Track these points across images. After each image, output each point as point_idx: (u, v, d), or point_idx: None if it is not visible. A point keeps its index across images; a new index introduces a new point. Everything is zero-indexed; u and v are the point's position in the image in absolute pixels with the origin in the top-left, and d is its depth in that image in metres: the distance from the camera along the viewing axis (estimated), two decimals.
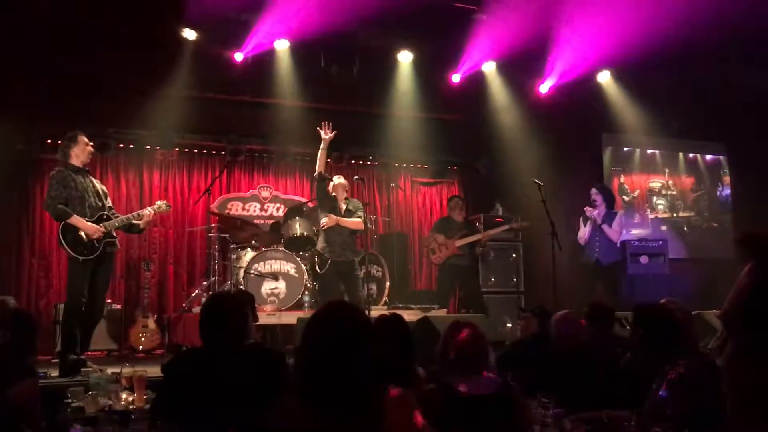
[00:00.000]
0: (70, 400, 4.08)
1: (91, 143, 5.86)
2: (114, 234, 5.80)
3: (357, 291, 6.89)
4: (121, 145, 8.61)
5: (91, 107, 7.84)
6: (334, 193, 6.99)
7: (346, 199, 7.03)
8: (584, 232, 7.88)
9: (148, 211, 6.06)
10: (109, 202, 5.97)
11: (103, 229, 5.63)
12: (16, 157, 7.98)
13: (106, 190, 6.02)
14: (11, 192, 8.07)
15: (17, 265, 8.07)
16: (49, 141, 8.10)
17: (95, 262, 5.68)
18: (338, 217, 6.87)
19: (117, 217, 5.87)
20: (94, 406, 3.96)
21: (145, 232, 8.28)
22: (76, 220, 5.58)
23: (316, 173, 6.93)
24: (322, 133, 6.77)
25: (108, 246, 5.71)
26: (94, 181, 5.92)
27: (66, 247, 5.57)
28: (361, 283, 6.99)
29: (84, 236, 5.57)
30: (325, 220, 6.89)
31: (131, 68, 7.45)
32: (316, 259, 7.06)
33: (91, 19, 6.92)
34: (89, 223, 5.60)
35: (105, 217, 5.75)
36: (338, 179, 7.09)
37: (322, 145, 6.80)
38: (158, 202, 6.31)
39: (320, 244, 6.99)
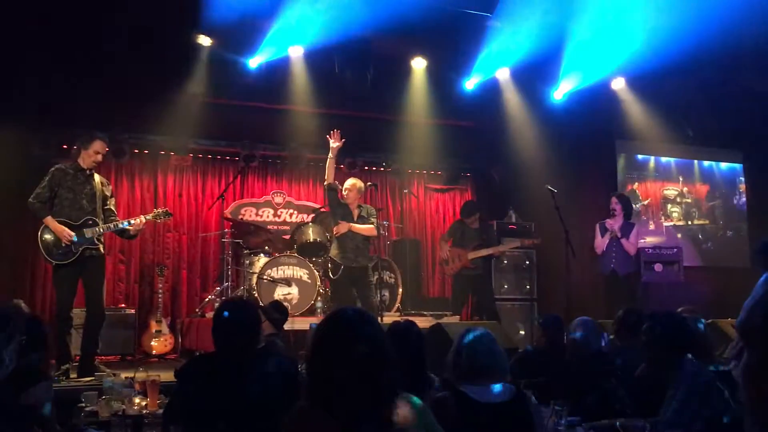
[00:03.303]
0: (83, 404, 4.09)
1: (100, 153, 5.87)
2: (96, 240, 5.78)
3: (370, 297, 6.88)
4: (136, 151, 8.66)
5: (107, 113, 7.88)
6: (346, 200, 6.99)
7: (359, 205, 7.02)
8: (601, 242, 7.83)
9: (138, 219, 6.06)
10: (109, 206, 5.97)
11: (70, 235, 5.61)
12: (33, 163, 8.01)
13: (108, 194, 6.01)
14: (27, 197, 8.10)
15: (32, 271, 8.11)
16: (65, 146, 8.15)
17: (77, 266, 5.69)
18: (350, 224, 6.87)
19: (109, 222, 5.88)
20: (108, 410, 3.98)
21: (157, 236, 8.39)
22: (49, 221, 5.64)
23: (326, 183, 6.93)
24: (330, 141, 6.78)
25: (88, 251, 5.72)
26: (97, 184, 5.91)
27: (41, 249, 5.64)
28: (374, 289, 6.98)
29: (57, 239, 5.61)
30: (337, 227, 6.90)
31: (147, 74, 7.48)
32: (329, 264, 7.06)
33: (107, 25, 6.97)
34: (60, 227, 5.61)
35: (90, 222, 5.75)
36: (350, 182, 7.06)
37: (330, 154, 6.79)
38: (156, 210, 6.32)
39: (333, 250, 6.99)
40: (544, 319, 5.26)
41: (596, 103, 8.98)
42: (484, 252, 8.01)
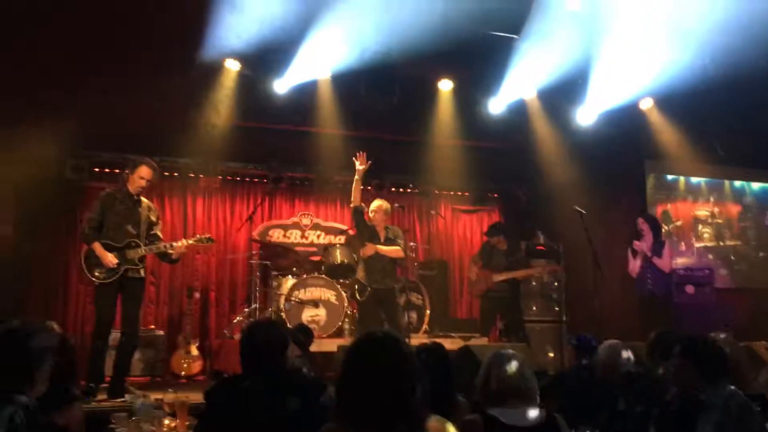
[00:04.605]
0: (114, 426, 4.12)
1: (145, 178, 5.97)
2: (138, 261, 5.89)
3: (397, 319, 6.86)
4: (166, 173, 8.76)
5: (138, 135, 8.01)
6: (372, 222, 6.99)
7: (386, 227, 7.02)
8: (635, 264, 7.74)
9: (180, 243, 6.16)
10: (155, 231, 6.09)
11: (113, 263, 5.73)
12: (65, 185, 8.17)
13: (154, 220, 6.13)
14: (60, 218, 8.25)
15: (65, 291, 8.22)
16: (96, 169, 8.30)
17: (117, 287, 5.80)
18: (377, 246, 6.86)
19: (151, 245, 5.98)
20: (138, 431, 3.99)
21: (187, 258, 8.45)
22: (96, 246, 5.78)
23: (352, 205, 6.92)
24: (356, 163, 6.78)
25: (129, 271, 5.83)
26: (144, 209, 6.04)
27: (84, 268, 5.79)
28: (401, 310, 6.96)
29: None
30: (364, 249, 6.90)
31: (176, 97, 7.59)
32: (356, 286, 7.07)
33: (136, 49, 7.09)
34: (106, 254, 5.75)
35: (134, 244, 5.87)
36: (377, 204, 7.06)
37: (356, 176, 6.76)
38: (199, 235, 6.41)
39: (360, 272, 6.99)
40: (577, 340, 5.19)
41: (624, 123, 8.92)
42: (509, 275, 7.97)
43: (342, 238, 9.10)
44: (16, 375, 2.65)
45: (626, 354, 4.44)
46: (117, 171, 7.99)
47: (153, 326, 8.17)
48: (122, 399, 5.47)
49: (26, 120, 7.11)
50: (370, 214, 7.00)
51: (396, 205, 7.40)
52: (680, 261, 9.87)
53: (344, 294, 7.78)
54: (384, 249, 6.87)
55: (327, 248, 8.51)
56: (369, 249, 6.85)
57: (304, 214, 9.56)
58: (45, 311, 7.72)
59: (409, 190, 10.04)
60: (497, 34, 7.38)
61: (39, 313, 7.50)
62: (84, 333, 8.04)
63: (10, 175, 7.36)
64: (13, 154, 7.26)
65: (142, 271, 5.98)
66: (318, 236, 9.51)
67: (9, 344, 2.69)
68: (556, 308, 9.05)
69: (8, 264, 7.34)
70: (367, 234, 6.94)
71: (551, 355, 8.65)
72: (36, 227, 7.85)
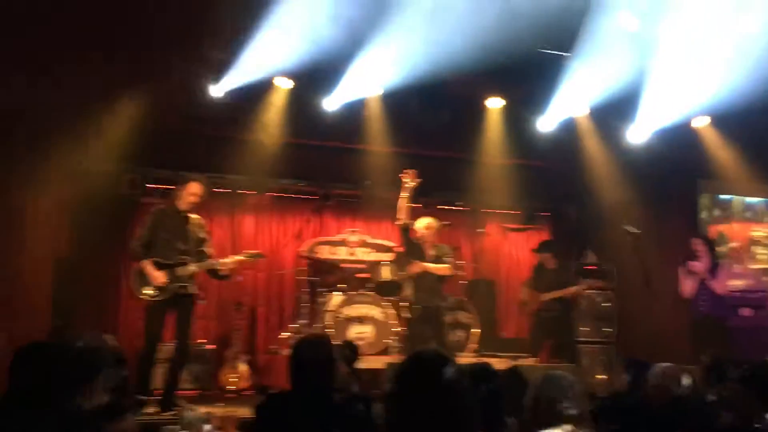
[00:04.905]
0: None
1: (196, 194, 6.06)
2: (188, 278, 5.95)
3: (444, 337, 6.83)
4: (216, 190, 8.88)
5: (190, 153, 8.18)
6: (420, 240, 6.97)
7: (433, 245, 6.99)
8: (688, 285, 7.59)
9: (230, 259, 6.23)
10: (204, 248, 6.16)
11: (161, 281, 5.78)
12: (119, 201, 8.34)
13: (204, 237, 6.21)
14: (114, 234, 8.43)
15: (116, 305, 8.38)
16: (150, 185, 8.47)
17: (168, 303, 5.87)
18: (426, 264, 6.84)
19: (201, 261, 6.05)
20: None
21: (235, 275, 8.53)
22: (145, 264, 5.85)
23: (398, 223, 6.90)
24: (405, 180, 6.74)
25: (180, 288, 5.89)
26: (194, 225, 6.12)
27: (134, 285, 5.90)
28: (447, 329, 6.91)
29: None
30: (411, 267, 6.88)
31: (227, 116, 7.74)
32: (404, 304, 7.04)
33: (185, 62, 7.25)
34: (154, 272, 5.82)
35: (183, 261, 5.94)
36: (425, 222, 7.05)
37: (403, 193, 6.74)
38: (249, 251, 6.49)
39: (408, 290, 6.98)
40: (628, 363, 5.09)
41: (677, 141, 8.75)
42: (553, 294, 7.88)
43: (390, 256, 9.11)
44: (72, 386, 2.71)
45: (684, 380, 4.33)
46: (171, 187, 8.13)
47: (203, 340, 8.26)
48: (172, 412, 5.55)
49: (83, 134, 7.31)
50: (418, 232, 6.99)
51: (444, 223, 7.37)
52: (736, 283, 9.61)
53: (391, 311, 7.77)
54: (431, 267, 6.85)
55: (374, 265, 8.53)
56: (416, 267, 6.84)
57: (352, 231, 9.60)
58: (98, 325, 7.86)
59: (457, 208, 10.00)
60: (548, 51, 7.34)
61: (92, 327, 7.65)
62: (134, 347, 8.19)
63: (67, 190, 7.55)
64: (70, 170, 7.47)
65: (192, 288, 6.06)
66: (365, 253, 9.53)
67: (66, 356, 2.75)
68: (607, 329, 8.89)
69: (64, 279, 7.51)
70: (415, 252, 6.93)
71: (601, 376, 8.49)
72: (91, 242, 8.03)
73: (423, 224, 7.01)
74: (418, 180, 6.76)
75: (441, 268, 6.90)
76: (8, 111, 6.66)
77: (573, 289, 8.17)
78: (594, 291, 8.74)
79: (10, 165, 6.77)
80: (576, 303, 8.55)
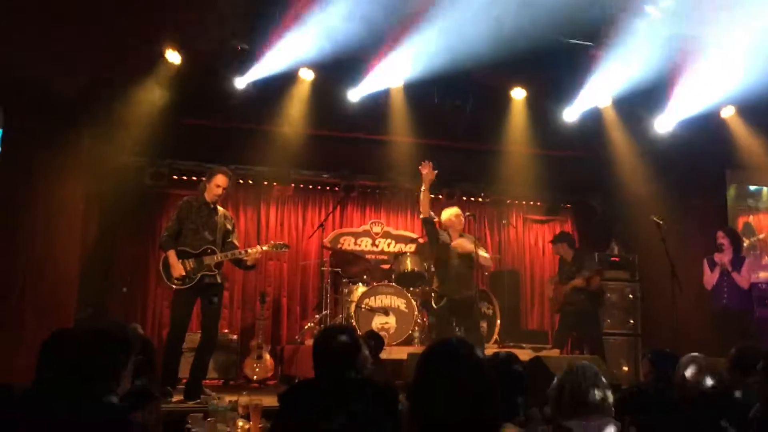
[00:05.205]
0: (190, 426, 4.22)
1: (221, 186, 6.12)
2: (214, 267, 6.03)
3: (475, 329, 6.79)
4: (241, 181, 8.94)
5: (214, 144, 8.24)
6: (447, 229, 6.94)
7: (461, 234, 6.96)
8: (711, 277, 7.52)
9: (255, 249, 6.29)
10: (231, 240, 6.23)
11: (180, 273, 5.89)
12: (145, 192, 8.43)
13: (230, 228, 6.29)
14: (139, 224, 8.52)
15: (143, 295, 8.49)
16: (175, 177, 8.54)
17: (195, 292, 5.95)
18: (470, 244, 6.78)
19: (227, 251, 6.12)
20: None
21: (260, 264, 8.60)
22: (170, 254, 5.96)
23: (422, 217, 6.84)
24: (422, 171, 6.66)
25: (206, 277, 5.96)
26: (220, 217, 6.19)
27: (162, 273, 6.00)
28: (479, 321, 6.86)
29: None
30: (457, 242, 6.82)
31: (252, 107, 7.77)
32: (432, 294, 7.01)
33: (210, 59, 7.30)
34: (176, 264, 5.93)
35: (209, 251, 6.02)
36: (451, 212, 7.01)
37: (423, 186, 6.67)
38: (274, 242, 6.55)
39: (436, 282, 6.95)
40: (654, 355, 5.05)
41: (705, 131, 8.63)
42: (572, 284, 7.85)
43: (412, 247, 9.12)
44: (101, 373, 2.74)
45: (707, 369, 4.30)
46: (195, 178, 8.20)
47: (227, 330, 8.34)
48: (198, 400, 5.61)
49: (109, 126, 7.38)
50: (445, 222, 6.95)
51: (467, 213, 7.33)
52: (763, 275, 9.49)
53: (414, 302, 7.78)
54: (482, 254, 6.79)
55: (397, 256, 8.55)
56: (461, 244, 6.80)
57: (375, 222, 9.62)
58: (124, 315, 7.99)
59: (480, 199, 9.98)
60: (572, 41, 7.27)
61: (119, 317, 7.76)
62: (161, 336, 8.30)
63: (94, 182, 7.64)
64: (95, 162, 7.55)
65: (218, 277, 6.13)
66: (388, 244, 9.55)
67: (95, 343, 2.78)
68: (632, 321, 8.84)
69: (91, 269, 7.61)
70: (441, 244, 6.88)
71: (626, 368, 8.45)
72: (116, 233, 8.13)
73: (448, 214, 6.98)
74: (435, 171, 6.69)
75: (483, 257, 6.87)
76: (35, 103, 6.75)
77: (579, 280, 8.09)
78: (618, 282, 8.67)
79: (38, 157, 6.86)
80: (600, 295, 8.46)
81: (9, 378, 3.51)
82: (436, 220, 6.96)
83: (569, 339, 8.25)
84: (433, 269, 7.48)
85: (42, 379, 2.83)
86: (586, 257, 8.33)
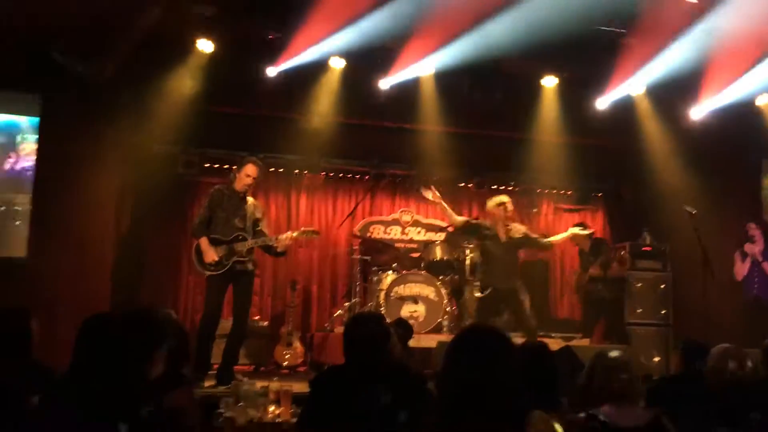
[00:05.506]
0: (221, 411, 4.29)
1: (251, 175, 6.19)
2: (245, 254, 6.09)
3: (525, 319, 6.80)
4: (272, 169, 9.00)
5: (245, 133, 8.31)
6: (492, 219, 6.95)
7: (505, 225, 6.95)
8: (742, 268, 7.45)
9: (285, 235, 6.34)
10: (261, 227, 6.29)
11: (213, 258, 5.95)
12: (177, 180, 8.53)
13: (260, 217, 6.35)
14: (171, 212, 8.62)
15: (175, 281, 8.60)
16: (207, 165, 8.63)
17: (227, 279, 6.02)
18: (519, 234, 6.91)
19: (257, 238, 6.19)
20: (244, 417, 4.15)
21: (290, 252, 8.67)
22: (203, 241, 6.04)
23: (455, 229, 6.98)
24: (429, 195, 6.91)
25: (238, 264, 6.03)
26: (249, 206, 6.26)
27: (195, 260, 6.07)
28: (527, 310, 6.86)
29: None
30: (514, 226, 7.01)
31: (282, 96, 7.82)
32: (478, 283, 7.08)
33: (242, 54, 7.36)
34: (209, 250, 5.99)
35: (241, 237, 6.08)
36: (497, 200, 7.04)
37: (437, 202, 6.97)
38: (304, 228, 6.62)
39: (480, 272, 7.01)
40: (685, 345, 5.01)
41: (739, 120, 8.50)
42: (589, 273, 7.86)
43: (442, 235, 9.11)
44: (136, 357, 2.80)
45: (740, 360, 4.26)
46: (226, 167, 8.27)
47: (258, 317, 8.41)
48: (229, 386, 5.69)
49: (142, 115, 7.49)
50: (494, 211, 6.96)
51: (533, 210, 7.39)
52: None
53: (444, 291, 7.79)
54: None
55: (427, 245, 8.56)
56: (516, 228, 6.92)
57: (405, 211, 9.63)
58: (158, 302, 8.10)
59: (510, 188, 9.93)
60: (605, 29, 7.19)
61: (153, 302, 7.87)
62: (194, 323, 8.41)
63: (128, 170, 7.75)
64: (129, 151, 7.67)
65: (250, 265, 6.20)
66: (418, 233, 9.55)
67: (132, 327, 2.84)
68: (663, 311, 8.74)
69: (125, 256, 7.73)
70: (488, 235, 6.89)
71: (657, 359, 8.37)
72: (149, 221, 8.24)
73: (493, 204, 6.98)
74: (438, 195, 6.95)
75: (545, 243, 7.17)
76: (66, 92, 6.87)
77: (594, 269, 8.05)
78: (649, 272, 8.60)
79: (74, 146, 6.98)
80: (619, 282, 8.37)
81: (48, 360, 3.60)
82: (471, 220, 7.02)
83: (595, 328, 8.23)
84: (462, 258, 7.54)
85: (79, 362, 2.89)
86: (603, 246, 8.30)
